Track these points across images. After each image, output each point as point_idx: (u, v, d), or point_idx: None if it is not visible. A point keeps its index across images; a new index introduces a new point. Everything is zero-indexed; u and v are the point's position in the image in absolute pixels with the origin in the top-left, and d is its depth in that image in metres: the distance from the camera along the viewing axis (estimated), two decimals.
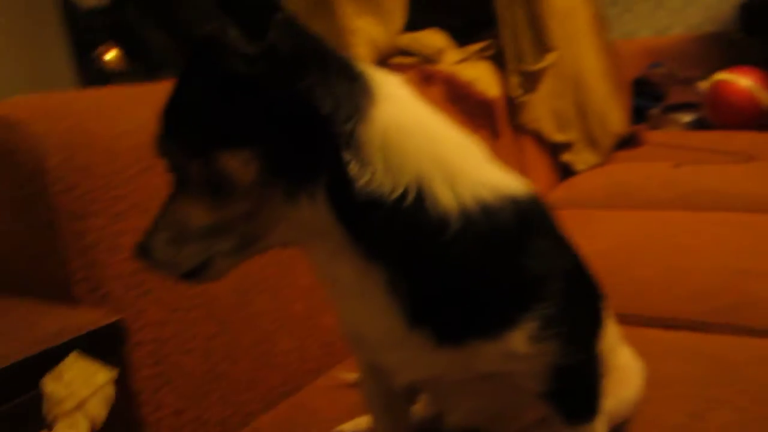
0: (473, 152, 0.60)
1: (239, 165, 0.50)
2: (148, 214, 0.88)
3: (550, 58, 1.91)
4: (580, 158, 2.30)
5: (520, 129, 2.01)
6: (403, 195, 0.52)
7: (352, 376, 1.08)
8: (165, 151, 0.55)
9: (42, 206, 0.80)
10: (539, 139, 2.14)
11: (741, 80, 2.75)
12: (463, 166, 0.57)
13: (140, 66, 1.53)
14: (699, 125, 2.97)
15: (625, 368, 0.83)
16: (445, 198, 0.54)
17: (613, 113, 2.51)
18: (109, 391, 0.46)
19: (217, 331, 0.97)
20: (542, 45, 1.90)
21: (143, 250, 0.57)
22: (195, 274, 0.56)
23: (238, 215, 0.53)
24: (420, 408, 0.86)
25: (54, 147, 0.80)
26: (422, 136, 0.55)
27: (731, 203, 1.87)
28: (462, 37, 1.87)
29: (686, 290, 1.32)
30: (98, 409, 0.45)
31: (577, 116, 2.27)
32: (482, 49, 1.89)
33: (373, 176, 0.52)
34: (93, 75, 1.44)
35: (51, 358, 0.60)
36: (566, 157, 2.26)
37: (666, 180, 2.11)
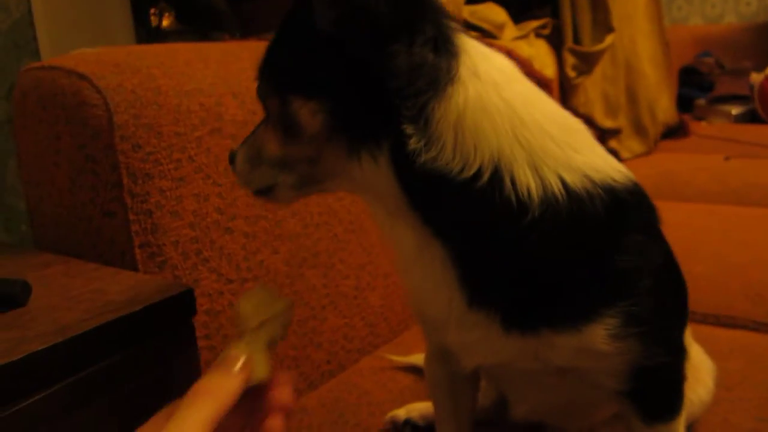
0: (571, 135, 0.56)
1: (307, 113, 0.53)
2: (210, 179, 0.87)
3: (608, 40, 1.84)
4: (626, 146, 2.24)
5: (570, 112, 1.95)
6: (476, 175, 0.51)
7: (399, 358, 1.06)
8: (258, 89, 0.59)
9: (107, 164, 0.77)
10: (587, 122, 2.07)
11: None
12: (552, 150, 0.53)
13: (191, 26, 1.49)
14: (748, 118, 2.88)
15: (697, 367, 0.80)
16: (526, 181, 0.51)
17: (662, 101, 2.44)
18: (288, 316, 0.55)
19: None
20: (602, 25, 1.83)
21: (231, 159, 0.63)
22: (263, 193, 0.61)
23: (301, 157, 0.56)
24: (479, 396, 0.83)
25: (123, 103, 0.77)
26: (508, 117, 0.53)
27: None
28: (518, 12, 1.81)
29: (743, 288, 1.28)
30: (277, 329, 0.53)
31: (627, 102, 2.21)
32: (539, 27, 1.82)
33: (441, 153, 0.51)
34: (147, 34, 1.41)
35: (124, 325, 0.58)
36: (613, 144, 2.20)
37: (715, 173, 2.05)
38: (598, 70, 1.99)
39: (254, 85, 0.94)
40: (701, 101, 2.99)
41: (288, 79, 0.55)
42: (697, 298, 1.25)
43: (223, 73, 0.90)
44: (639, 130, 2.27)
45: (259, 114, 0.94)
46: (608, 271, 0.54)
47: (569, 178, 0.53)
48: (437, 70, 0.52)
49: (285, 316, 0.54)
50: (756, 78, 2.86)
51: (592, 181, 0.54)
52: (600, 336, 0.55)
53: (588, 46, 1.83)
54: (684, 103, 3.00)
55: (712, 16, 3.64)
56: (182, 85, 0.84)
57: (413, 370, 1.02)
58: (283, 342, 0.96)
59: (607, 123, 2.11)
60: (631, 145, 2.25)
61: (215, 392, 0.46)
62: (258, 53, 0.99)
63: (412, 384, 0.99)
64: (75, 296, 0.64)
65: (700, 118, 2.95)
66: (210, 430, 0.44)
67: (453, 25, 0.55)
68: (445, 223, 0.53)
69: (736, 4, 3.57)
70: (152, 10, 1.41)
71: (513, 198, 0.51)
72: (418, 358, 1.00)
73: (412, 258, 0.57)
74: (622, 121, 2.18)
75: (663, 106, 2.44)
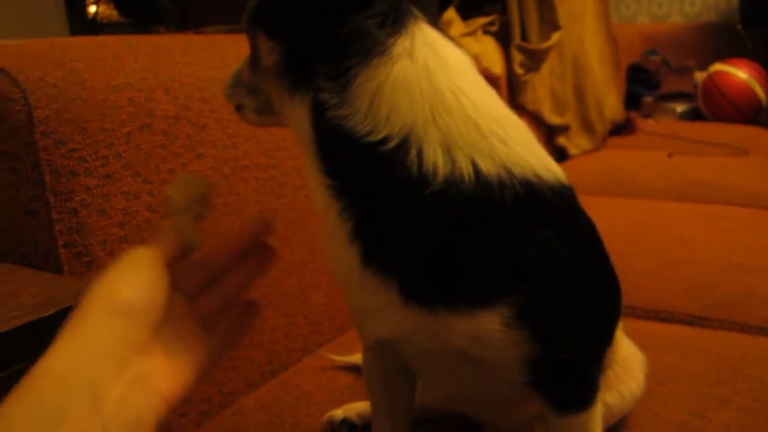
0: (503, 129, 0.57)
1: (266, 49, 0.60)
2: (140, 177, 0.84)
3: (555, 38, 1.86)
4: (574, 143, 2.27)
5: (519, 109, 1.97)
6: (382, 141, 0.54)
7: (340, 357, 1.05)
8: (244, 23, 0.65)
9: (27, 162, 0.74)
10: (536, 120, 2.10)
11: (739, 72, 2.74)
12: (473, 138, 0.55)
13: (131, 18, 1.45)
14: (692, 116, 2.96)
15: (626, 361, 0.81)
16: (434, 158, 0.54)
17: (610, 98, 2.48)
18: (209, 195, 0.64)
19: None
20: (549, 23, 1.85)
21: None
22: (238, 109, 0.70)
23: (260, 87, 0.64)
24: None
25: (44, 97, 0.74)
26: (430, 101, 0.55)
27: (725, 196, 1.86)
28: (465, 9, 1.81)
29: (682, 283, 1.31)
30: (201, 207, 0.62)
31: (575, 99, 2.24)
32: (487, 24, 1.83)
33: (352, 114, 0.54)
34: (82, 26, 1.36)
35: (38, 330, 0.55)
36: (561, 140, 2.23)
37: (660, 170, 2.10)
38: (546, 68, 2.01)
39: (187, 80, 0.91)
40: (648, 99, 3.06)
41: (260, 17, 0.62)
42: (637, 294, 1.30)
43: (155, 67, 0.88)
44: (587, 127, 2.31)
45: (192, 110, 0.92)
46: (507, 262, 0.55)
47: (484, 166, 0.54)
48: (373, 42, 0.55)
49: (206, 195, 0.63)
50: (699, 76, 2.94)
51: (511, 174, 0.55)
52: (493, 324, 0.55)
53: (535, 44, 1.85)
54: (632, 101, 3.07)
55: (659, 15, 3.73)
56: (110, 79, 0.81)
57: (355, 369, 1.01)
58: None
59: (555, 120, 2.13)
60: (579, 141, 2.29)
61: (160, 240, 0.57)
62: (191, 47, 0.96)
63: (353, 383, 0.99)
64: None
65: (647, 116, 3.02)
66: (170, 255, 0.55)
67: (414, 10, 0.58)
68: (345, 179, 0.56)
69: (681, 4, 3.66)
70: (88, 1, 1.37)
71: (415, 169, 0.53)
72: (359, 357, 1.00)
73: (321, 210, 0.59)
74: (570, 118, 2.21)
75: (611, 103, 2.49)
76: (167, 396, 0.51)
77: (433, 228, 0.54)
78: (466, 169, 0.53)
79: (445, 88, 0.55)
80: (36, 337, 0.56)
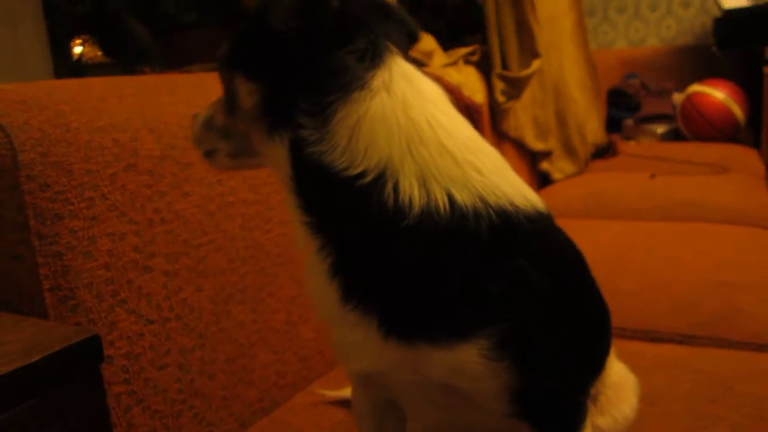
0: (479, 158, 0.58)
1: (245, 91, 0.60)
2: (125, 217, 0.84)
3: (535, 65, 1.89)
4: (557, 167, 2.29)
5: (501, 136, 2.00)
6: (359, 175, 0.54)
7: (331, 392, 1.04)
8: (220, 59, 0.65)
9: (12, 205, 0.74)
10: (519, 146, 2.12)
11: (716, 93, 2.79)
12: (448, 168, 0.56)
13: (116, 59, 1.46)
14: (673, 136, 3.01)
15: (618, 385, 0.81)
16: (410, 191, 0.54)
17: (591, 123, 2.52)
18: None
19: (193, 344, 0.91)
20: (528, 52, 1.89)
21: (194, 119, 0.70)
22: (207, 155, 0.69)
23: (237, 130, 0.64)
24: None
25: (29, 141, 0.74)
26: (407, 133, 0.56)
27: (708, 215, 1.89)
28: (446, 40, 1.85)
29: (669, 303, 1.32)
30: None
31: (557, 125, 2.27)
32: (468, 54, 1.86)
33: (331, 149, 0.55)
34: (67, 67, 1.37)
35: (21, 378, 0.55)
36: (544, 165, 2.25)
37: (643, 190, 2.13)
38: (528, 95, 2.04)
39: (172, 119, 0.92)
40: (629, 121, 3.11)
41: (238, 59, 0.62)
42: (625, 315, 1.30)
43: (139, 108, 0.88)
44: (569, 151, 2.34)
45: (177, 148, 0.92)
46: (483, 293, 0.55)
47: (459, 196, 0.55)
48: (352, 77, 0.56)
49: None
50: (678, 98, 3.00)
51: (486, 203, 0.56)
52: (472, 356, 0.55)
53: (516, 72, 1.88)
54: (613, 124, 3.11)
55: (636, 40, 3.80)
56: (94, 120, 0.82)
57: (346, 403, 1.01)
58: (210, 382, 0.94)
59: (538, 145, 2.16)
60: (562, 166, 2.31)
61: None
62: (176, 86, 0.97)
63: (345, 418, 0.98)
64: None
65: (628, 138, 3.07)
66: None
67: (390, 46, 0.60)
68: (323, 216, 0.57)
69: (657, 28, 3.74)
70: (73, 42, 1.38)
71: (391, 202, 0.54)
72: (350, 391, 0.99)
73: (303, 247, 0.60)
74: (552, 144, 2.24)
75: (592, 127, 2.52)
76: None
77: (410, 261, 0.55)
78: (442, 200, 0.54)
79: (422, 119, 0.56)
80: (22, 385, 0.56)
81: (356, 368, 0.63)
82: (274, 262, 1.06)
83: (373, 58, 0.58)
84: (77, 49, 1.41)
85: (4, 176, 0.73)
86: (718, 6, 3.05)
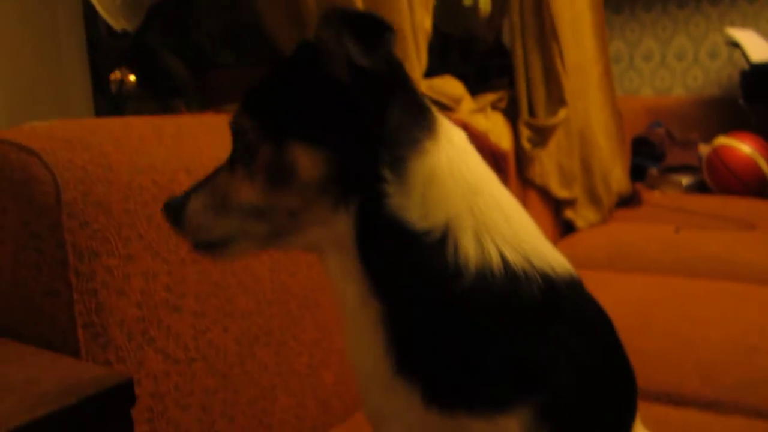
0: (516, 216, 0.58)
1: (308, 162, 0.53)
2: (159, 257, 0.85)
3: (562, 114, 1.90)
4: (581, 215, 2.29)
5: (526, 183, 2.00)
6: (430, 230, 0.53)
7: None
8: (239, 125, 0.57)
9: (52, 242, 0.75)
10: (543, 193, 2.12)
11: (742, 146, 2.78)
12: (500, 225, 0.55)
13: (152, 92, 1.50)
14: (698, 188, 2.99)
15: None
16: (467, 247, 0.53)
17: (616, 171, 2.51)
18: None
19: (217, 385, 0.91)
20: (556, 100, 1.90)
21: (174, 208, 0.59)
22: (214, 246, 0.59)
23: (284, 207, 0.55)
24: None
25: (73, 179, 0.76)
26: (466, 184, 0.55)
27: (735, 272, 1.86)
28: (473, 83, 1.87)
29: (694, 365, 1.29)
30: None
31: (582, 173, 2.27)
32: (496, 101, 1.88)
33: (408, 203, 0.53)
34: (106, 99, 1.40)
35: (56, 421, 0.55)
36: (568, 213, 2.25)
37: (667, 244, 2.11)
38: (554, 142, 2.05)
39: (209, 161, 0.93)
40: (654, 171, 3.09)
41: (290, 123, 0.54)
42: (649, 376, 1.28)
43: (177, 149, 0.90)
44: (594, 199, 2.33)
45: None
46: (529, 361, 0.55)
47: (510, 256, 0.54)
48: (421, 126, 0.55)
49: None
50: (704, 149, 2.99)
51: (532, 265, 0.55)
52: (513, 428, 0.54)
53: (542, 120, 1.89)
54: (637, 172, 3.10)
55: (662, 88, 3.81)
56: (135, 161, 0.83)
57: None
58: (231, 424, 0.94)
59: (563, 193, 2.16)
60: (586, 214, 2.31)
61: None
62: (212, 127, 0.98)
63: None
64: (7, 385, 0.61)
65: (653, 187, 3.05)
66: None
67: (421, 92, 0.59)
68: (386, 277, 0.55)
69: (684, 77, 3.75)
70: (112, 77, 1.41)
71: (452, 262, 0.52)
72: None
73: (353, 316, 0.58)
74: (577, 191, 2.23)
75: (617, 176, 2.52)
76: None
77: (463, 327, 0.54)
78: (496, 260, 0.53)
79: (476, 169, 0.57)
80: (56, 428, 0.56)
81: None
82: (300, 305, 1.07)
83: (424, 112, 0.57)
84: (116, 82, 1.44)
85: (47, 214, 0.75)
86: (746, 59, 3.05)
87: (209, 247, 0.59)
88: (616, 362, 0.67)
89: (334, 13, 0.52)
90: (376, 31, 0.51)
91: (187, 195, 0.60)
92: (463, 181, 0.54)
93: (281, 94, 0.56)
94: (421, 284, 0.54)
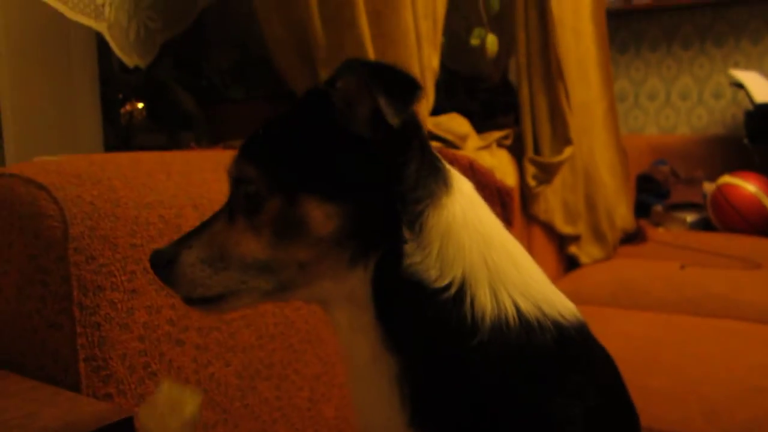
0: (524, 263, 0.58)
1: (322, 216, 0.51)
2: (164, 291, 0.85)
3: (567, 152, 1.92)
4: (585, 252, 2.29)
5: (531, 219, 2.01)
6: (447, 286, 0.52)
7: None
8: (243, 174, 0.54)
9: (57, 276, 0.76)
10: (548, 229, 2.13)
11: (747, 185, 2.78)
12: (512, 274, 0.55)
13: (162, 126, 1.52)
14: (702, 226, 2.99)
15: None
16: (484, 302, 0.52)
17: (620, 208, 2.52)
18: (197, 417, 0.51)
19: (217, 419, 0.91)
20: (561, 138, 1.92)
21: (163, 262, 0.55)
22: (210, 301, 0.55)
23: (293, 260, 0.52)
24: None
25: (80, 214, 0.77)
26: (479, 236, 0.55)
27: (740, 311, 1.85)
28: (479, 120, 1.89)
29: (699, 405, 1.28)
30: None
31: (586, 209, 2.28)
32: (501, 138, 1.90)
33: (426, 259, 0.52)
34: (116, 131, 1.42)
35: None
36: (572, 249, 2.25)
37: (672, 281, 2.10)
38: (558, 179, 2.06)
39: (217, 197, 0.94)
40: (658, 208, 3.10)
41: (301, 175, 0.52)
42: (654, 414, 1.27)
43: (185, 185, 0.91)
44: (598, 236, 2.33)
45: None
46: (546, 412, 0.53)
47: (523, 306, 0.54)
48: (436, 180, 0.54)
49: (194, 417, 0.51)
50: (708, 187, 2.99)
51: (543, 313, 0.55)
52: None
53: (548, 157, 1.91)
54: (642, 209, 3.10)
55: (667, 127, 3.83)
56: (143, 196, 0.84)
57: None
58: None
59: (567, 229, 2.16)
60: (590, 250, 2.30)
61: None
62: (220, 163, 1.00)
63: None
64: (7, 420, 0.61)
65: (657, 224, 3.05)
66: None
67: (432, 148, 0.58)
68: (402, 333, 0.53)
69: (688, 116, 3.78)
70: (122, 110, 1.44)
71: (469, 316, 0.52)
72: None
73: (364, 370, 0.56)
74: (581, 228, 2.24)
75: (621, 213, 2.52)
76: None
77: (478, 382, 0.53)
78: (511, 311, 0.52)
79: (488, 220, 0.57)
80: None
81: None
82: (302, 339, 1.07)
83: (436, 157, 0.57)
84: (126, 115, 1.47)
85: (54, 247, 0.76)
86: (750, 99, 3.07)
87: (204, 302, 0.56)
88: (622, 407, 0.66)
89: (359, 64, 0.51)
90: (410, 90, 0.50)
91: (178, 246, 0.56)
92: (476, 233, 0.54)
93: (290, 143, 0.54)
94: (438, 339, 0.53)
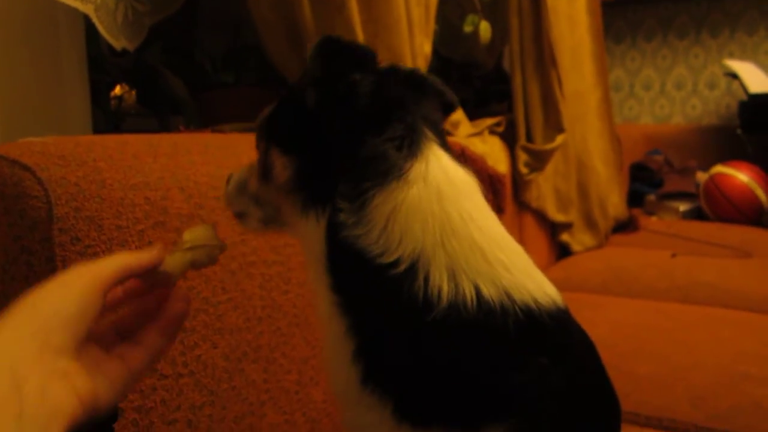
0: (507, 256, 0.59)
1: (280, 165, 0.61)
2: None
3: (559, 140, 1.92)
4: (577, 240, 2.29)
5: (522, 206, 2.01)
6: (393, 264, 0.55)
7: None
8: (257, 129, 0.67)
9: (42, 256, 0.76)
10: (539, 217, 2.13)
11: (740, 175, 2.79)
12: (477, 263, 0.56)
13: (151, 110, 1.51)
14: (695, 215, 3.00)
15: None
16: (439, 283, 0.54)
17: (612, 196, 2.52)
18: (216, 251, 0.67)
19: (203, 401, 0.91)
20: (553, 125, 1.92)
21: (228, 180, 0.72)
22: (239, 216, 0.71)
23: (269, 199, 0.65)
24: None
25: (65, 195, 0.77)
26: (440, 225, 0.56)
27: (729, 300, 1.86)
28: (472, 108, 1.89)
29: (686, 391, 1.29)
30: (203, 256, 0.65)
31: (579, 197, 2.28)
32: (493, 125, 1.90)
33: (367, 234, 0.56)
34: (105, 115, 1.42)
35: None
36: (564, 237, 2.25)
37: (662, 269, 2.11)
38: (551, 166, 2.06)
39: (204, 179, 0.94)
40: (651, 197, 3.11)
41: (275, 132, 0.64)
42: (641, 400, 1.28)
43: (172, 167, 0.91)
44: (590, 224, 2.34)
45: (206, 208, 0.94)
46: (503, 388, 0.55)
47: (486, 291, 0.55)
48: (391, 166, 0.57)
49: (214, 249, 0.66)
50: (701, 177, 3.00)
51: (512, 299, 0.56)
52: None
53: (540, 145, 1.91)
54: (635, 198, 3.12)
55: (661, 116, 3.84)
56: (128, 178, 0.84)
57: None
58: None
59: (559, 217, 2.17)
60: (582, 238, 2.31)
61: (129, 254, 0.59)
62: (209, 146, 0.99)
63: None
64: None
65: (650, 213, 3.06)
66: (121, 274, 0.56)
67: (427, 132, 0.60)
68: (353, 298, 0.58)
69: (682, 106, 3.78)
70: (112, 93, 1.43)
71: (421, 294, 0.54)
72: None
73: (325, 323, 0.60)
74: (573, 216, 2.24)
75: (613, 201, 2.53)
76: (84, 399, 0.51)
77: (433, 352, 0.55)
78: (470, 295, 0.54)
79: (455, 212, 0.57)
80: None
81: None
82: (290, 323, 1.07)
83: (411, 147, 0.59)
84: (115, 98, 1.46)
85: (38, 228, 0.76)
86: (745, 90, 3.08)
87: (237, 215, 0.72)
88: (597, 389, 0.67)
89: (319, 39, 0.59)
90: (338, 52, 0.59)
91: (238, 173, 0.71)
92: (433, 219, 0.56)
93: (279, 111, 0.65)
94: (387, 310, 0.56)
